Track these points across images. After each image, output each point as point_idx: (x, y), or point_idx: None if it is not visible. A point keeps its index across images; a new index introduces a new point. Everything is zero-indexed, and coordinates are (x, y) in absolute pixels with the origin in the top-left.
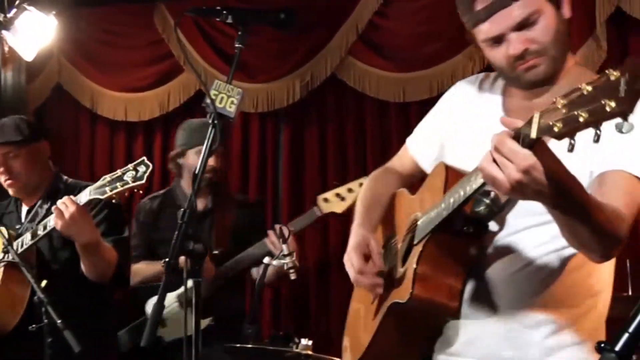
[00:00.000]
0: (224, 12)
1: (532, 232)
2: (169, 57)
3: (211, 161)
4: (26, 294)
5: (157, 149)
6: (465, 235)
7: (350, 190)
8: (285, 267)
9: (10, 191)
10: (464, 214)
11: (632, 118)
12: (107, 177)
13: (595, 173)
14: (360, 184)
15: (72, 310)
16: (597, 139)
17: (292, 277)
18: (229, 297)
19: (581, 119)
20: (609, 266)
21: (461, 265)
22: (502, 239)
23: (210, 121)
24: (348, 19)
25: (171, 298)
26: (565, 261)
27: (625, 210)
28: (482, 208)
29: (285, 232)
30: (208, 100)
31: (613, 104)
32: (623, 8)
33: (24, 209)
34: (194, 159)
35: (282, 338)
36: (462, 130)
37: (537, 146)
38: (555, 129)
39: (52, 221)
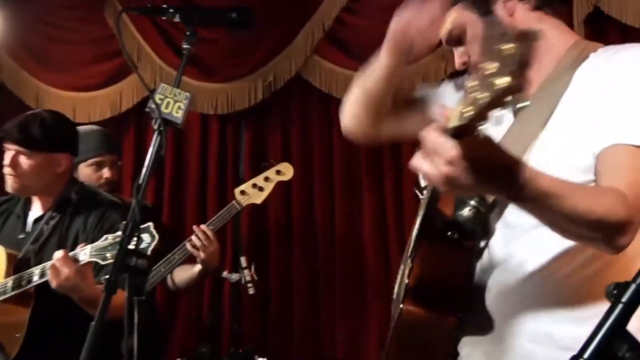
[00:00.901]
0: (171, 10)
1: (541, 230)
2: (121, 53)
3: (105, 172)
4: (25, 318)
5: None
6: (452, 242)
7: (267, 179)
8: (243, 281)
9: (8, 187)
10: (444, 218)
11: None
12: (109, 238)
13: (595, 153)
14: (278, 171)
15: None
16: (497, 122)
17: (250, 291)
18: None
19: (482, 101)
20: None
21: (455, 276)
22: (506, 241)
23: (155, 127)
24: (313, 15)
25: None
26: (584, 260)
27: (628, 189)
28: (465, 210)
29: (208, 232)
30: (153, 105)
31: (505, 79)
32: (602, 8)
33: (31, 216)
34: (84, 173)
35: (241, 356)
36: None
37: (465, 135)
38: (466, 115)
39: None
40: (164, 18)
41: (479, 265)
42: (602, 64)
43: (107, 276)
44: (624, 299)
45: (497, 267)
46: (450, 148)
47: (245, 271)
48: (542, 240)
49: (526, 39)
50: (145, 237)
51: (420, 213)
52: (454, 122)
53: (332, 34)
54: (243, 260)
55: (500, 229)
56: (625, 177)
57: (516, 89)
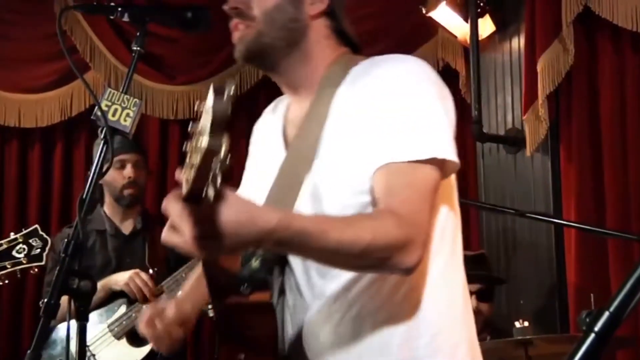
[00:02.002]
0: (119, 9)
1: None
2: (72, 52)
3: (128, 172)
4: None
5: (57, 161)
6: (246, 297)
7: None
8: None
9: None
10: (231, 274)
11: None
12: (3, 243)
13: (370, 175)
14: None
15: None
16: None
17: (210, 314)
18: None
19: (198, 163)
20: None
21: (262, 338)
22: (307, 278)
23: (101, 136)
24: None
25: (98, 329)
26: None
27: (402, 207)
28: (252, 260)
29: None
30: (99, 113)
31: (205, 141)
32: (592, 8)
33: None
34: (112, 174)
35: None
36: (255, 175)
37: (199, 199)
38: (190, 179)
39: None
40: (111, 17)
41: (285, 309)
42: (362, 79)
43: (45, 299)
44: (596, 328)
45: (303, 307)
46: (187, 215)
47: None
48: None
49: (219, 94)
50: (35, 242)
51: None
52: (184, 188)
53: None
54: None
55: (298, 265)
56: (398, 196)
57: (217, 150)
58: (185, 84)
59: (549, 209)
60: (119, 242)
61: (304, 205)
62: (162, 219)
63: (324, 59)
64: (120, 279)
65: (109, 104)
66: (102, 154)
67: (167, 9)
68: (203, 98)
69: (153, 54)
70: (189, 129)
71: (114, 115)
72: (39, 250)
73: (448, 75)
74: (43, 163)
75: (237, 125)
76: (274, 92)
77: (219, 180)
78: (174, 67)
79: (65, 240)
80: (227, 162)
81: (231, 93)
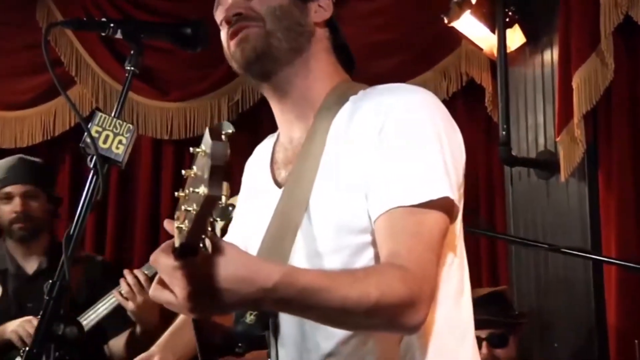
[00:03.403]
0: (112, 25)
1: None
2: (56, 64)
3: (15, 205)
4: None
5: None
6: (241, 356)
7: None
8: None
9: None
10: (225, 331)
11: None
12: None
13: (373, 219)
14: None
15: None
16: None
17: None
18: None
19: (193, 213)
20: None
21: None
22: (300, 332)
23: (91, 165)
24: None
25: None
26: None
27: (407, 258)
28: (247, 315)
29: (141, 276)
30: (88, 140)
31: (204, 189)
32: (633, 17)
33: None
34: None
35: None
36: (246, 215)
37: (193, 252)
38: (184, 231)
39: None
40: (102, 34)
41: None
42: (361, 111)
43: (26, 347)
44: None
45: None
46: (180, 270)
47: None
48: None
49: (216, 136)
50: None
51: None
52: (177, 240)
53: None
54: None
55: (291, 319)
56: (403, 246)
57: (217, 198)
58: (181, 100)
59: (586, 243)
60: (21, 283)
61: (298, 249)
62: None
63: (322, 78)
64: (9, 326)
65: (100, 129)
66: (94, 185)
67: (163, 24)
68: (199, 115)
69: (145, 67)
70: (183, 173)
71: (105, 142)
72: None
73: (472, 91)
74: None
75: (239, 146)
76: None
77: (217, 231)
78: (168, 82)
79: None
80: (228, 212)
81: (230, 134)
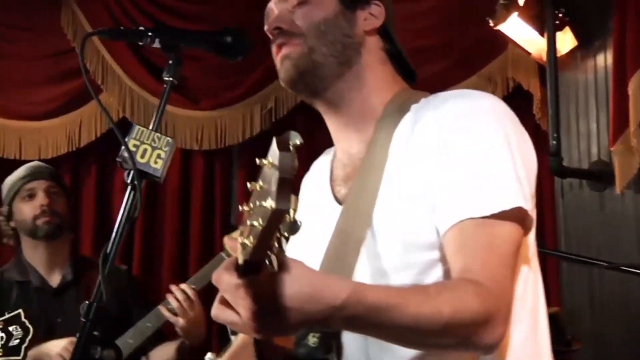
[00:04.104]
0: (149, 34)
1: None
2: (81, 72)
3: (40, 199)
4: None
5: None
6: None
7: None
8: None
9: None
10: (286, 353)
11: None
12: None
13: (441, 232)
14: None
15: None
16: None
17: None
18: None
19: (259, 227)
20: None
21: None
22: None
23: (128, 180)
24: None
25: None
26: None
27: (482, 272)
28: (309, 337)
29: (189, 291)
30: (125, 154)
31: (271, 202)
32: None
33: None
34: (21, 209)
35: None
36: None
37: (258, 269)
38: (248, 247)
39: None
40: (140, 44)
41: None
42: (425, 119)
43: None
44: None
45: None
46: (244, 288)
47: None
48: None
49: (284, 147)
50: (15, 330)
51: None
52: (240, 257)
53: None
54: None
55: (355, 341)
56: (476, 260)
57: (284, 212)
58: (211, 109)
59: None
60: (46, 297)
61: (362, 266)
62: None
63: (379, 88)
64: (53, 348)
65: (138, 143)
66: (132, 201)
67: (202, 33)
68: (230, 125)
69: None
70: (248, 186)
71: (142, 156)
72: (17, 341)
73: (520, 98)
74: None
75: None
76: (313, 118)
77: (284, 247)
78: (197, 90)
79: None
80: (296, 227)
81: (298, 145)
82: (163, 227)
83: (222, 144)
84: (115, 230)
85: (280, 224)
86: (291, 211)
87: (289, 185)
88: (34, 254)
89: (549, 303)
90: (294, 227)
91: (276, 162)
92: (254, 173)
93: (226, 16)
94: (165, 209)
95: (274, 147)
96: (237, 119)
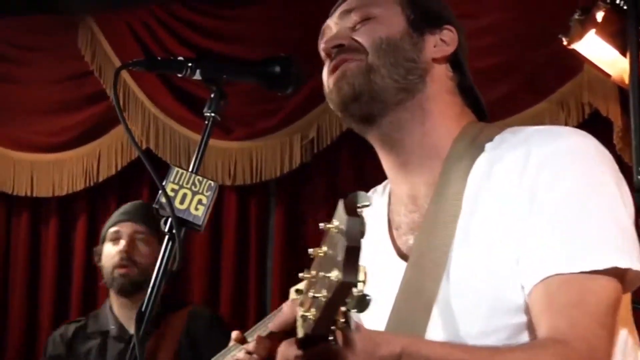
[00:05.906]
0: (189, 64)
1: None
2: (101, 97)
3: (121, 245)
4: None
5: (78, 239)
6: None
7: None
8: None
9: None
10: None
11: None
12: None
13: (526, 290)
14: None
15: None
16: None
17: None
18: None
19: (322, 300)
20: None
21: None
22: None
23: (165, 229)
24: None
25: None
26: None
27: (570, 332)
28: None
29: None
30: (163, 200)
31: (337, 274)
32: None
33: None
34: (105, 253)
35: None
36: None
37: (318, 342)
38: (310, 320)
39: None
40: (179, 76)
41: None
42: (503, 162)
43: None
44: None
45: None
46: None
47: None
48: None
49: (352, 212)
50: None
51: None
52: (300, 330)
53: None
54: None
55: None
56: (564, 318)
57: (352, 285)
58: (245, 139)
59: None
60: (123, 346)
61: (435, 329)
62: (174, 305)
63: (444, 121)
64: None
65: (176, 187)
66: (169, 252)
67: (247, 63)
68: (267, 157)
69: (204, 100)
70: (309, 251)
71: (182, 202)
72: None
73: (597, 125)
74: (60, 241)
75: (315, 192)
76: (360, 148)
77: (351, 322)
78: (230, 118)
79: (57, 339)
80: (365, 301)
81: (367, 207)
82: (191, 273)
83: (257, 179)
84: (151, 285)
85: (346, 298)
86: (360, 284)
87: (358, 255)
88: (117, 303)
89: None
90: (362, 302)
91: (344, 227)
92: (294, 212)
93: (263, 34)
94: (194, 253)
95: (340, 210)
96: (275, 151)
